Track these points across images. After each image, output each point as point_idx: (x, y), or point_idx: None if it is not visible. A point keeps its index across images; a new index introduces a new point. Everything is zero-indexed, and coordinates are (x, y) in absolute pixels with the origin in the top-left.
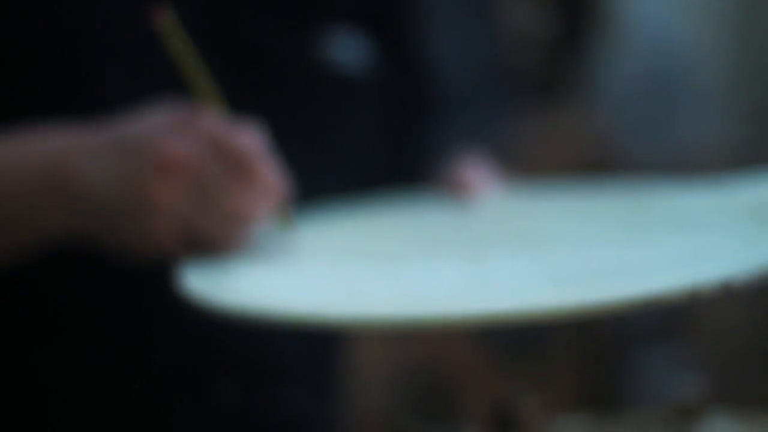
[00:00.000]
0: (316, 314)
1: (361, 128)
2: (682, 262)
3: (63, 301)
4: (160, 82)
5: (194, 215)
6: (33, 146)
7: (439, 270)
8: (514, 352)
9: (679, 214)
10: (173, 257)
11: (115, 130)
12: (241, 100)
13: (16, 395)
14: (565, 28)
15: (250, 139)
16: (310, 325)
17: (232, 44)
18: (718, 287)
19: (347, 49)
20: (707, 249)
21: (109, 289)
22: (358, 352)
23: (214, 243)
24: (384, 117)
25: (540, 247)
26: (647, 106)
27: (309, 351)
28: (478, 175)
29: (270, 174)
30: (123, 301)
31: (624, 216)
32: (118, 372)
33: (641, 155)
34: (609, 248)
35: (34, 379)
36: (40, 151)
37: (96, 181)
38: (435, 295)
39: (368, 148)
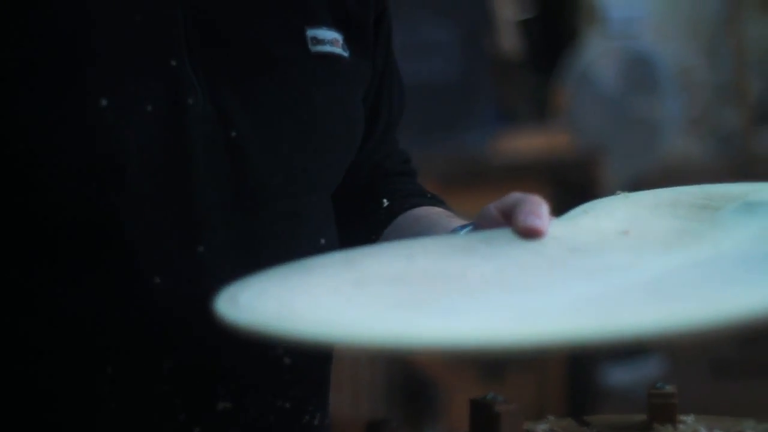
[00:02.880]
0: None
1: (341, 106)
2: None
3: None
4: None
5: None
6: None
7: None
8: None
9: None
10: None
11: None
12: (252, 108)
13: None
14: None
15: None
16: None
17: (238, 50)
18: None
19: (330, 40)
20: None
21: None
22: (343, 357)
23: None
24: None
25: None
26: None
27: (296, 358)
28: (536, 208)
29: None
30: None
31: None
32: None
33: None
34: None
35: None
36: None
37: None
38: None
39: (353, 127)
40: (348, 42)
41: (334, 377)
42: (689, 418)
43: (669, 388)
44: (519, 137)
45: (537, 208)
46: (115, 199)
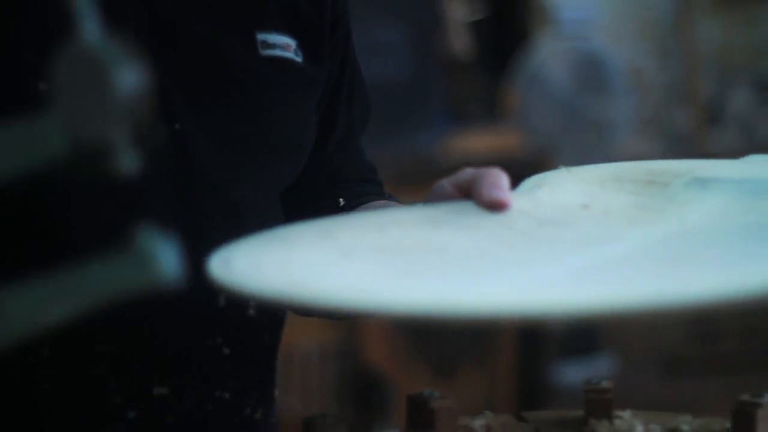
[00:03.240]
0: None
1: (300, 112)
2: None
3: None
4: None
5: None
6: None
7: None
8: (442, 354)
9: None
10: None
11: None
12: (196, 101)
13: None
14: (498, 16)
15: None
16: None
17: (186, 48)
18: None
19: (282, 45)
20: None
21: None
22: (290, 351)
23: None
24: (314, 99)
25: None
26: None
27: (236, 348)
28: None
29: None
30: None
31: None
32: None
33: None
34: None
35: None
36: None
37: None
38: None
39: (309, 133)
40: (302, 48)
41: (284, 376)
42: (626, 414)
43: (605, 384)
44: (470, 137)
45: (498, 180)
46: (55, 184)
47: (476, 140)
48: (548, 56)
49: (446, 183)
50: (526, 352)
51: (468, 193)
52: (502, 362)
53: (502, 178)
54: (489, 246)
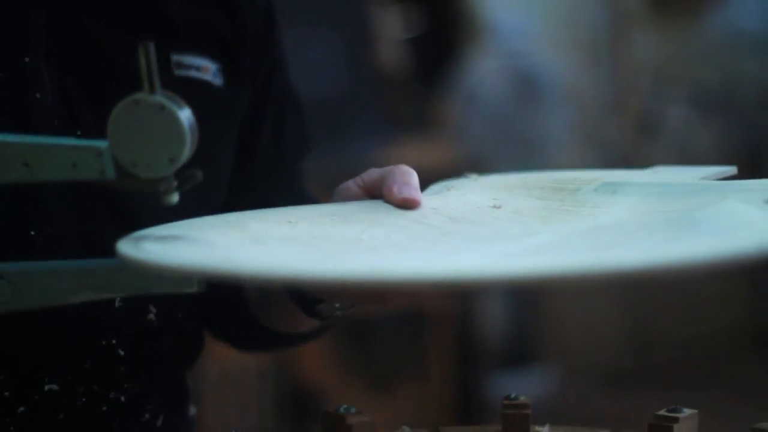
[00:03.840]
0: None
1: (218, 136)
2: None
3: None
4: None
5: None
6: None
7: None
8: (378, 367)
9: None
10: None
11: None
12: (101, 112)
13: None
14: (433, 31)
15: None
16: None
17: (94, 60)
18: None
19: (198, 67)
20: None
21: None
22: (224, 366)
23: None
24: (235, 124)
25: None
26: (509, 114)
27: (131, 351)
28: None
29: None
30: None
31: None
32: None
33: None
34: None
35: None
36: None
37: None
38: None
39: (225, 154)
40: (223, 71)
41: (221, 390)
42: (544, 429)
43: (522, 399)
44: (404, 150)
45: (409, 178)
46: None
47: (410, 153)
48: (482, 70)
49: (352, 183)
50: (463, 364)
51: (376, 192)
52: (439, 375)
53: (413, 176)
54: (403, 239)
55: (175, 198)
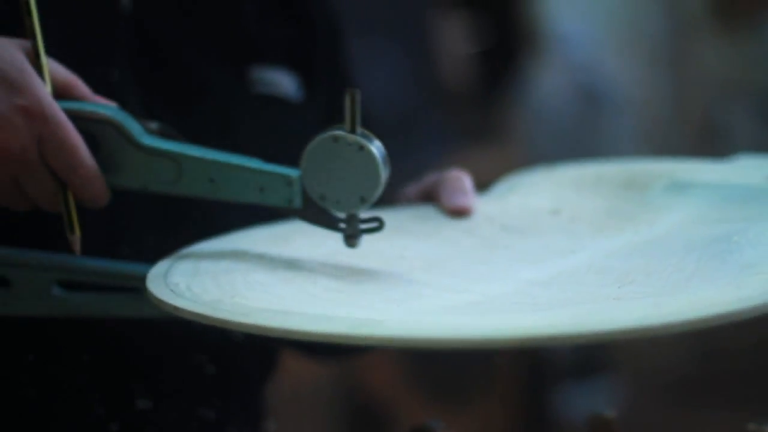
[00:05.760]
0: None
1: (295, 151)
2: None
3: None
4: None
5: (5, 195)
6: None
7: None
8: (442, 381)
9: None
10: None
11: None
12: (182, 125)
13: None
14: (497, 44)
15: (76, 136)
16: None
17: (175, 74)
18: None
19: (277, 83)
20: None
21: None
22: (290, 371)
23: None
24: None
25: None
26: (573, 126)
27: (221, 368)
28: (460, 186)
29: (86, 173)
30: None
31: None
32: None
33: None
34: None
35: None
36: None
37: None
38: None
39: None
40: (301, 86)
41: (292, 405)
42: None
43: (609, 414)
44: (469, 161)
45: (461, 184)
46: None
47: (475, 164)
48: (546, 81)
49: (410, 190)
50: (531, 377)
51: (432, 197)
52: (507, 389)
53: (464, 180)
54: (443, 256)
55: (358, 244)
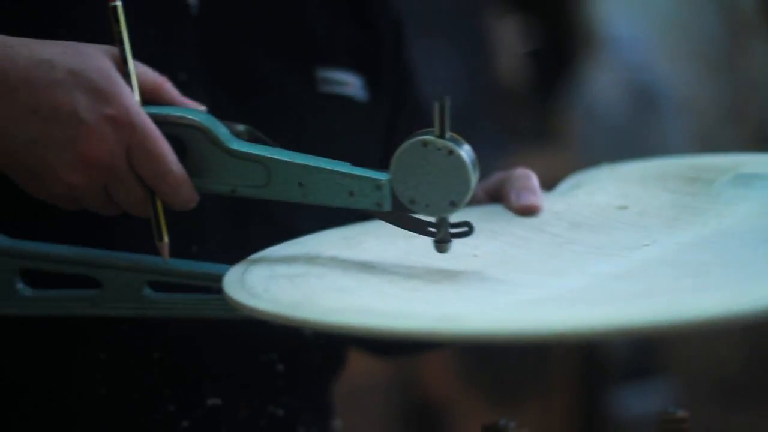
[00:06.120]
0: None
1: (361, 151)
2: None
3: None
4: None
5: (95, 201)
6: None
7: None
8: (504, 380)
9: None
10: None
11: (41, 69)
12: (249, 124)
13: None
14: (552, 46)
15: (164, 144)
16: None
17: (242, 75)
18: None
19: (343, 83)
20: None
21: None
22: (351, 369)
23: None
24: (381, 140)
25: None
26: (627, 126)
27: (291, 365)
28: (529, 184)
29: (174, 180)
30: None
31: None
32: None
33: None
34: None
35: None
36: None
37: (8, 130)
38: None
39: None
40: (366, 86)
41: (350, 403)
42: None
43: (681, 413)
44: (523, 162)
45: (529, 183)
46: None
47: (529, 165)
48: (600, 81)
49: (478, 190)
50: (586, 378)
51: (498, 197)
52: (562, 389)
53: (532, 179)
54: (518, 253)
55: (448, 249)
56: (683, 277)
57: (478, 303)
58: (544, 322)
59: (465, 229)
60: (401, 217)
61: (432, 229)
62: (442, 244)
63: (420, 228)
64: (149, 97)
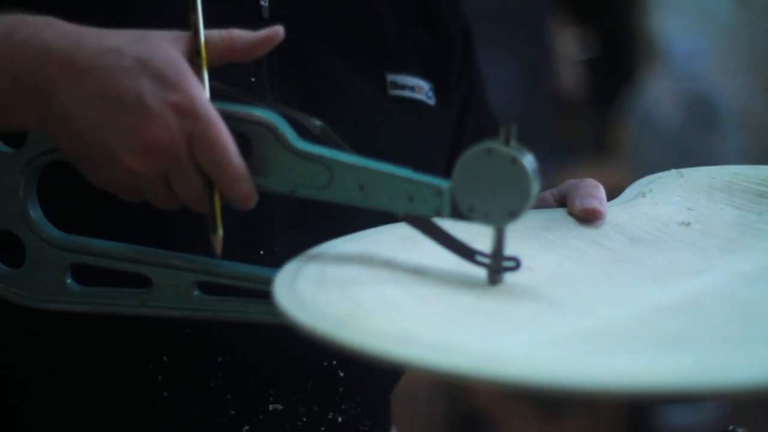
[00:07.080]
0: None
1: (427, 156)
2: None
3: None
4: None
5: (155, 190)
6: (22, 35)
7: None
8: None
9: None
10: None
11: (109, 56)
12: (311, 113)
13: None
14: (610, 56)
15: (227, 135)
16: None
17: (312, 78)
18: None
19: (412, 87)
20: None
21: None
22: (407, 378)
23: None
24: (447, 145)
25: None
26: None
27: (352, 372)
28: (596, 193)
29: (234, 172)
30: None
31: None
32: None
33: None
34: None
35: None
36: (27, 47)
37: (74, 114)
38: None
39: (438, 174)
40: (436, 90)
41: (394, 412)
42: None
43: (741, 431)
44: (579, 172)
45: (594, 191)
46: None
47: (585, 175)
48: (658, 93)
49: (548, 194)
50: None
51: (565, 203)
52: (610, 403)
53: (598, 188)
54: (572, 267)
55: (500, 280)
56: (731, 320)
57: (524, 333)
58: (584, 376)
59: (512, 263)
60: (449, 241)
61: (482, 260)
62: (495, 277)
63: (467, 255)
64: (222, 59)
